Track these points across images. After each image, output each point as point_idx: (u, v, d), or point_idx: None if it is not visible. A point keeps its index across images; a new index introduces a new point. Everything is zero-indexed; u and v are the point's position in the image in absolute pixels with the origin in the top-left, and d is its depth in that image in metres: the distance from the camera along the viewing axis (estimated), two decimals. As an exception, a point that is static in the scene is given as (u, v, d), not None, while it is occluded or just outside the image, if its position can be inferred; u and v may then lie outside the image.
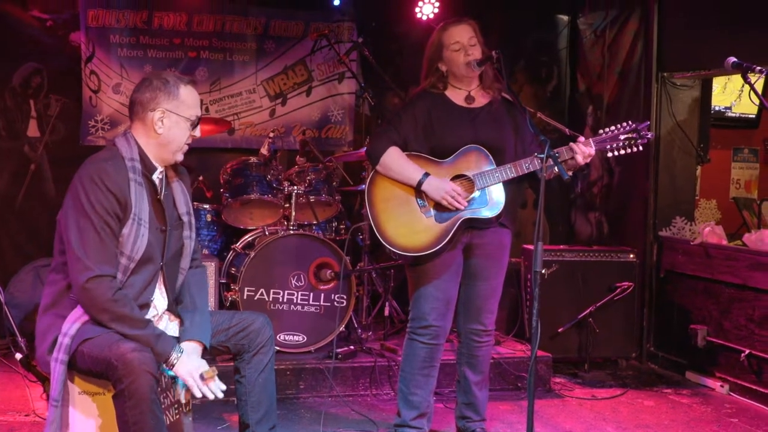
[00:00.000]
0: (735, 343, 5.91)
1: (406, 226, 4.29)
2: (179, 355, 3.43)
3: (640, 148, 4.29)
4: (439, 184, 4.23)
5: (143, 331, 3.38)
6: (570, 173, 4.23)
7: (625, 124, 4.27)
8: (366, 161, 4.45)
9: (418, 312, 4.44)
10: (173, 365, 3.41)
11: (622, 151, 4.27)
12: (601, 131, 4.31)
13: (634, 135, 4.26)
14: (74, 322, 3.37)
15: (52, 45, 7.07)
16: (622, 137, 4.25)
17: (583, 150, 4.20)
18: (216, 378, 3.48)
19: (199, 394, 3.44)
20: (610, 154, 4.31)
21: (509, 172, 4.24)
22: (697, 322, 6.23)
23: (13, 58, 6.98)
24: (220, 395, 3.48)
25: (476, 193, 4.28)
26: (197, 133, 3.65)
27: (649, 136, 4.28)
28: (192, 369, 3.43)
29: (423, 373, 4.47)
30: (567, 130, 4.44)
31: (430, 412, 4.55)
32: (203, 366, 3.47)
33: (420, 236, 4.27)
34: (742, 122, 8.24)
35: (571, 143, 4.24)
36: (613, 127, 4.29)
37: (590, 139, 4.26)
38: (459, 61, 4.33)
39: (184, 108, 3.57)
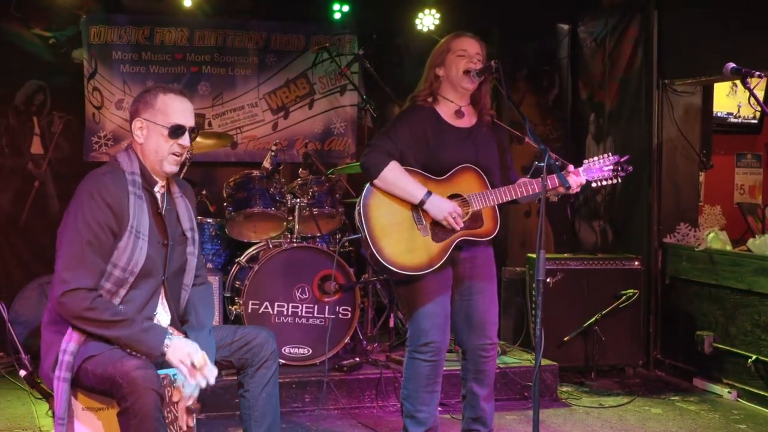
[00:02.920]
0: (742, 348, 5.90)
1: (404, 244, 4.22)
2: (170, 342, 3.42)
3: (619, 180, 4.38)
4: (441, 204, 4.19)
5: (130, 329, 3.37)
6: (555, 199, 4.31)
7: (607, 155, 4.37)
8: (363, 172, 4.38)
9: (418, 329, 4.37)
10: (164, 354, 3.40)
11: (605, 182, 4.38)
12: (585, 162, 4.38)
13: (617, 167, 4.35)
14: (72, 338, 3.37)
15: (54, 62, 7.12)
16: (605, 169, 4.36)
17: (575, 180, 4.27)
18: (208, 363, 3.45)
19: (192, 383, 3.41)
20: (595, 185, 4.39)
21: (505, 196, 4.25)
22: (703, 329, 6.21)
23: (16, 76, 7.02)
24: (212, 381, 3.45)
25: (470, 214, 4.27)
26: (184, 142, 3.58)
27: (629, 169, 4.38)
28: (183, 356, 3.40)
29: (428, 390, 4.40)
30: (555, 156, 4.46)
31: (437, 425, 4.51)
32: (194, 353, 3.43)
33: (418, 255, 4.22)
34: (744, 128, 8.24)
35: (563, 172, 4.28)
36: (596, 158, 4.37)
37: (579, 169, 4.32)
38: (459, 65, 4.30)
39: (160, 116, 3.55)
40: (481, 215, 4.29)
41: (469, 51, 4.32)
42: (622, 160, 4.34)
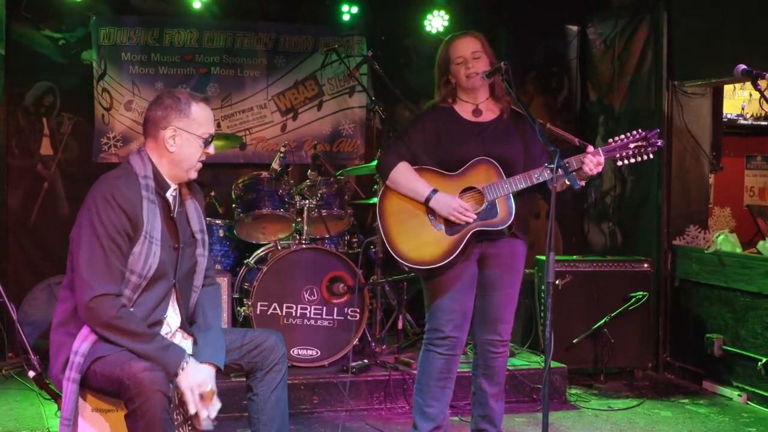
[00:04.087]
0: (751, 351, 5.87)
1: (417, 239, 4.30)
2: (186, 365, 3.42)
3: (650, 156, 4.28)
4: (447, 201, 4.24)
5: (150, 345, 3.38)
6: (582, 183, 4.23)
7: (634, 132, 4.26)
8: (377, 174, 4.49)
9: (434, 323, 4.44)
10: (177, 375, 3.40)
11: (632, 160, 4.26)
12: (610, 140, 4.30)
13: (644, 143, 4.25)
14: (84, 340, 3.37)
15: (64, 64, 7.13)
16: (631, 146, 4.25)
17: (593, 159, 4.20)
18: (214, 399, 3.50)
19: (193, 411, 3.43)
20: (620, 163, 4.29)
21: (519, 183, 4.24)
22: (713, 331, 6.20)
23: (25, 78, 7.03)
24: (212, 415, 3.50)
25: (486, 205, 4.28)
26: (211, 150, 3.63)
27: (659, 143, 4.27)
28: (194, 384, 3.42)
29: (439, 384, 4.45)
30: (576, 140, 4.44)
31: (446, 425, 4.53)
32: (205, 384, 3.45)
33: (431, 249, 4.28)
34: (754, 129, 8.21)
35: (581, 154, 4.24)
36: (622, 136, 4.28)
37: (599, 149, 4.25)
38: (461, 73, 4.37)
39: (196, 126, 3.57)
40: (495, 205, 4.30)
41: (464, 55, 4.37)
42: (649, 134, 4.25)
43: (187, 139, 3.56)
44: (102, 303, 3.33)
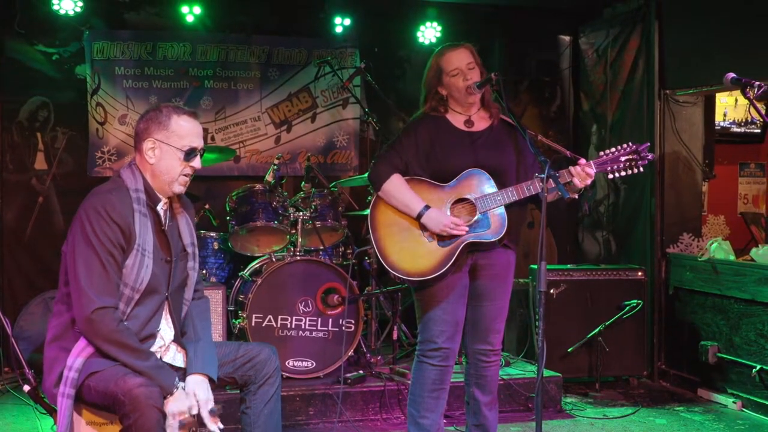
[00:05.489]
0: (746, 358, 5.89)
1: (409, 250, 4.30)
2: (174, 391, 3.42)
3: (641, 169, 4.28)
4: (438, 218, 4.24)
5: (146, 363, 3.39)
6: (574, 195, 4.24)
7: (625, 145, 4.26)
8: (370, 183, 4.48)
9: (427, 335, 4.43)
10: (166, 398, 3.38)
11: (623, 173, 4.26)
12: (601, 153, 4.30)
13: (635, 156, 4.25)
14: (79, 355, 3.37)
15: (58, 78, 7.14)
16: (622, 159, 4.25)
17: (580, 172, 4.20)
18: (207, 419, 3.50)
19: None
20: (611, 176, 4.30)
21: (511, 195, 4.25)
22: (707, 339, 6.21)
23: (19, 93, 7.04)
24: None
25: (478, 217, 4.28)
26: (196, 164, 3.62)
27: (649, 157, 4.27)
28: (176, 412, 3.39)
29: (433, 395, 4.45)
30: (568, 152, 4.44)
31: (440, 436, 4.54)
32: (188, 412, 3.44)
33: (423, 260, 4.28)
34: (747, 137, 8.24)
35: (571, 166, 4.24)
36: (613, 149, 4.29)
37: (591, 161, 4.26)
38: (458, 86, 4.35)
39: (176, 138, 3.56)
40: (488, 217, 4.31)
41: (460, 67, 4.36)
42: (640, 147, 4.26)
43: (166, 151, 3.56)
44: (103, 316, 3.35)
